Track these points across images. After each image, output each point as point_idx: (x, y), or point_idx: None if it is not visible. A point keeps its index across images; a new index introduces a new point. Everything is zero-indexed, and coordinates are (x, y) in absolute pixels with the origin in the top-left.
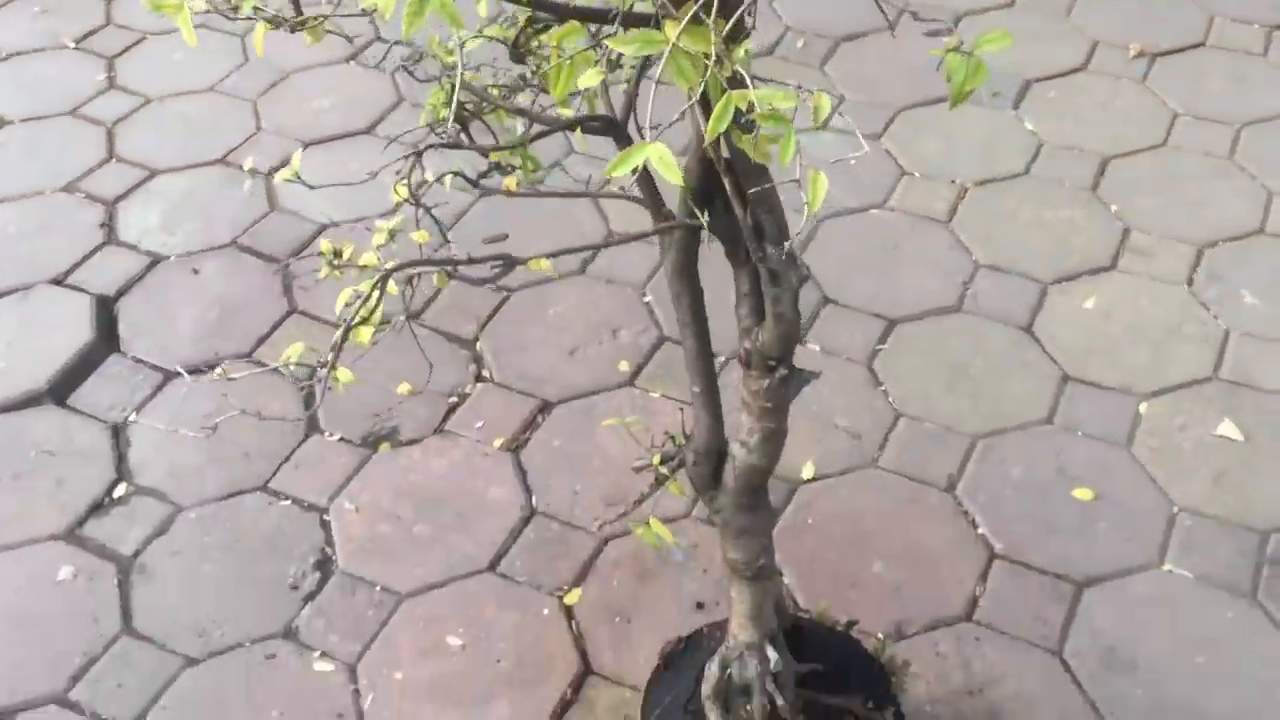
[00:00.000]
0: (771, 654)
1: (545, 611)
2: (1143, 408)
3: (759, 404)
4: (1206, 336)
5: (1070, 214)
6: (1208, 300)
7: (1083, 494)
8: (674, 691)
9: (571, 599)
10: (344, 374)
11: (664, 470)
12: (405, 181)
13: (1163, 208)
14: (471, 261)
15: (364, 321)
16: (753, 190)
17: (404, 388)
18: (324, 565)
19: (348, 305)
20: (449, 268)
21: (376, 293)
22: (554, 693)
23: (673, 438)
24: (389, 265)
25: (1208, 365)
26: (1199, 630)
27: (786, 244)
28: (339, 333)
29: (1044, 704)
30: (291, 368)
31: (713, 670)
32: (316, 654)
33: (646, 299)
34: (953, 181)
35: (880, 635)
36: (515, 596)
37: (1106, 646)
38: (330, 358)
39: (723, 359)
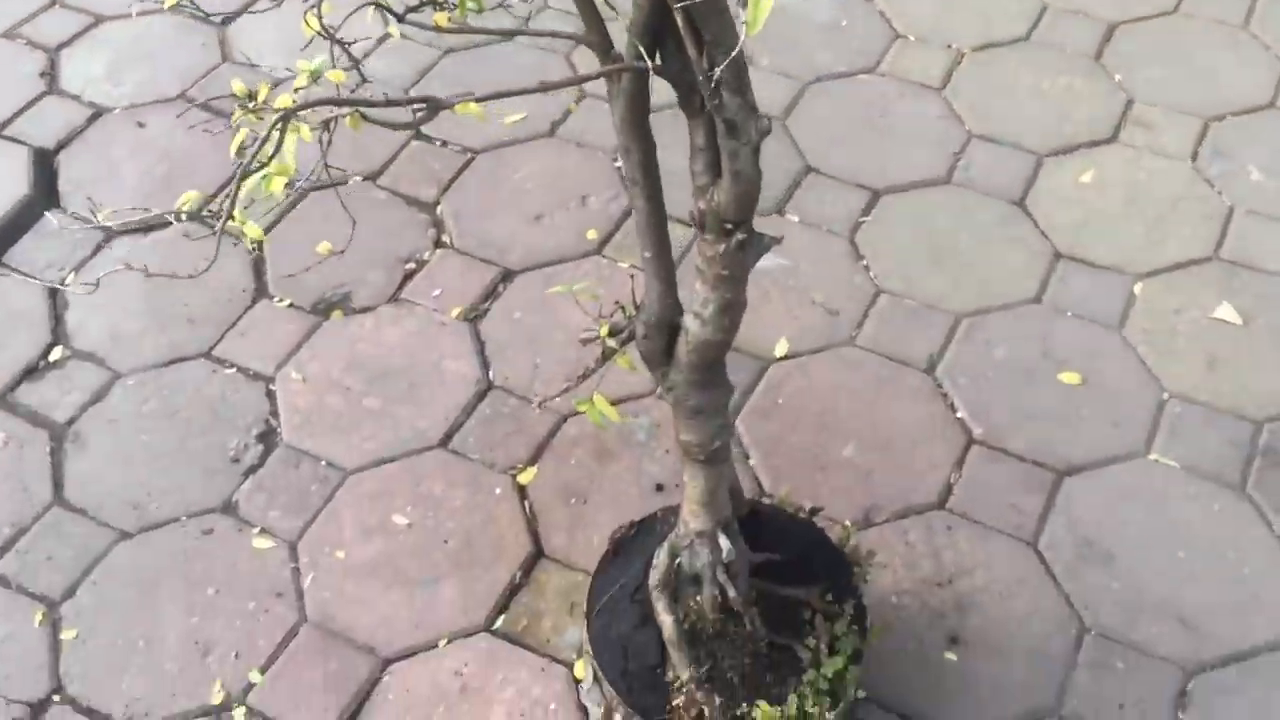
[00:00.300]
0: (724, 542)
1: (497, 491)
2: (1137, 288)
3: (714, 271)
4: (1208, 214)
5: (1071, 82)
6: (1212, 176)
7: (1069, 378)
8: (623, 579)
9: (525, 478)
10: (252, 229)
11: (612, 343)
12: (316, 12)
13: (1169, 78)
14: (390, 104)
15: (264, 168)
16: (709, 30)
17: (323, 246)
18: (267, 438)
19: (243, 149)
20: (361, 109)
21: (276, 135)
22: (503, 575)
23: (623, 308)
24: (294, 105)
25: (1208, 244)
26: (1183, 523)
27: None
28: (235, 180)
29: (1016, 597)
30: (183, 219)
31: (661, 559)
32: (256, 530)
33: (619, 164)
34: (948, 46)
35: (847, 523)
36: (466, 474)
37: (1084, 538)
38: (226, 205)
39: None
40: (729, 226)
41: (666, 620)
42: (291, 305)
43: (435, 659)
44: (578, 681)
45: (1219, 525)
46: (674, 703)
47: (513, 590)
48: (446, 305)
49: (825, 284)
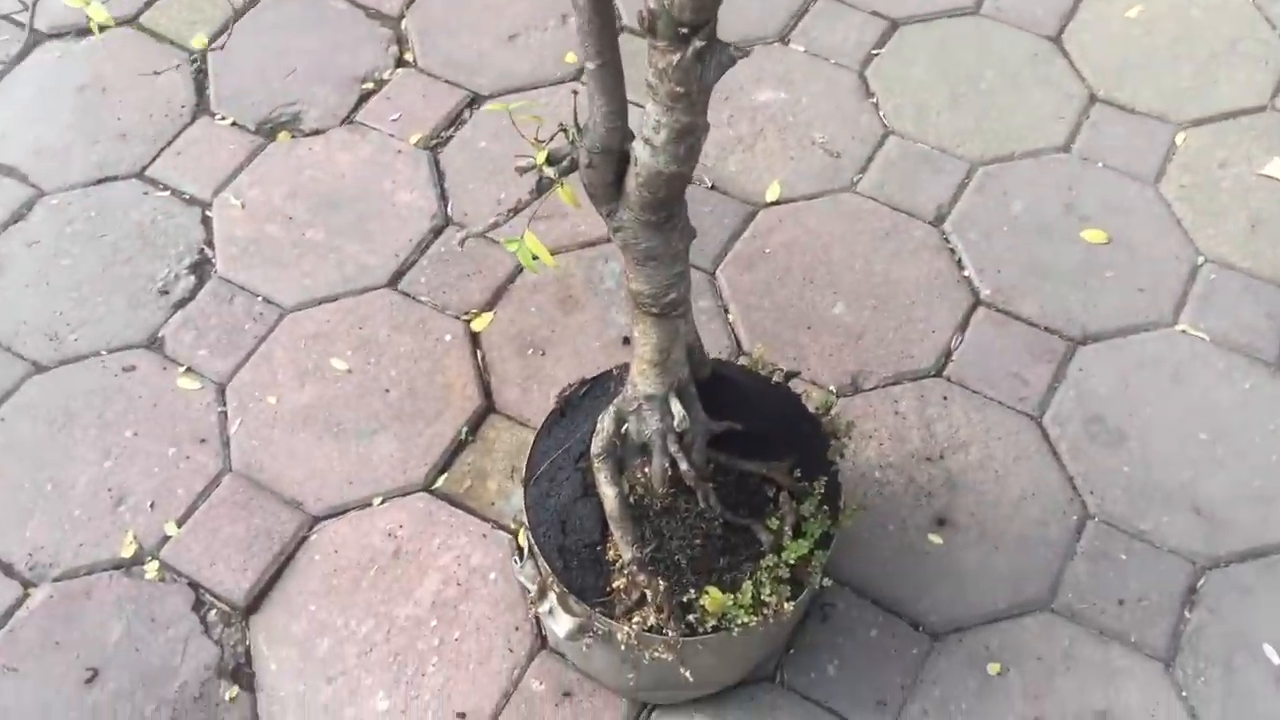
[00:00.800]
0: (676, 408)
1: (448, 337)
2: (1179, 138)
3: (667, 88)
4: (1266, 58)
5: None
6: (1275, 15)
7: (1093, 236)
8: (568, 443)
9: (480, 324)
10: (96, 11)
11: (550, 172)
12: None
13: None
14: None
15: None
16: None
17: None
18: (200, 268)
19: None
20: None
21: None
22: (448, 430)
23: (566, 130)
24: None
25: (1264, 92)
26: (1207, 402)
27: None
28: None
29: (1013, 476)
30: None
31: (605, 424)
32: (182, 369)
33: None
34: None
35: (832, 389)
36: (415, 318)
37: (1094, 414)
38: None
39: None
40: (684, 31)
41: (609, 493)
42: (234, 124)
43: (368, 518)
44: (519, 550)
45: (1248, 406)
46: (614, 585)
47: (457, 447)
48: (405, 131)
49: (828, 122)
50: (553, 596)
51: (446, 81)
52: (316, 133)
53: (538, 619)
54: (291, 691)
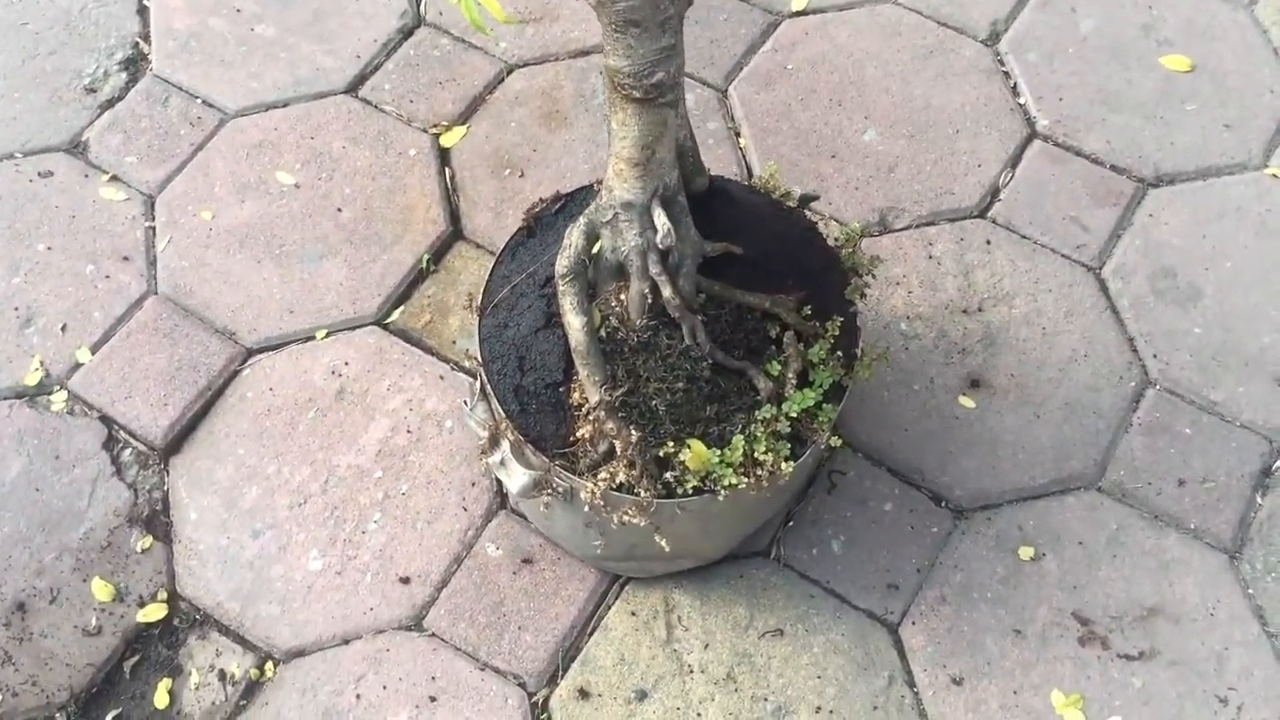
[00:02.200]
0: (660, 220)
1: (412, 152)
2: None
3: None
4: None
5: None
6: None
7: (1174, 63)
8: (533, 267)
9: (450, 139)
10: None
11: None
12: None
13: None
14: None
15: None
16: None
17: None
18: (133, 65)
19: None
20: None
21: None
22: (406, 257)
23: None
24: None
25: None
26: None
27: None
28: None
29: (1062, 334)
30: None
31: (573, 239)
32: (106, 177)
33: None
34: None
35: (856, 225)
36: (375, 129)
37: (1164, 267)
38: None
39: None
40: None
41: (574, 323)
42: None
43: (309, 353)
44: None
45: None
46: (578, 433)
47: (417, 278)
48: None
49: None
50: (506, 445)
51: None
52: None
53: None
54: (212, 545)
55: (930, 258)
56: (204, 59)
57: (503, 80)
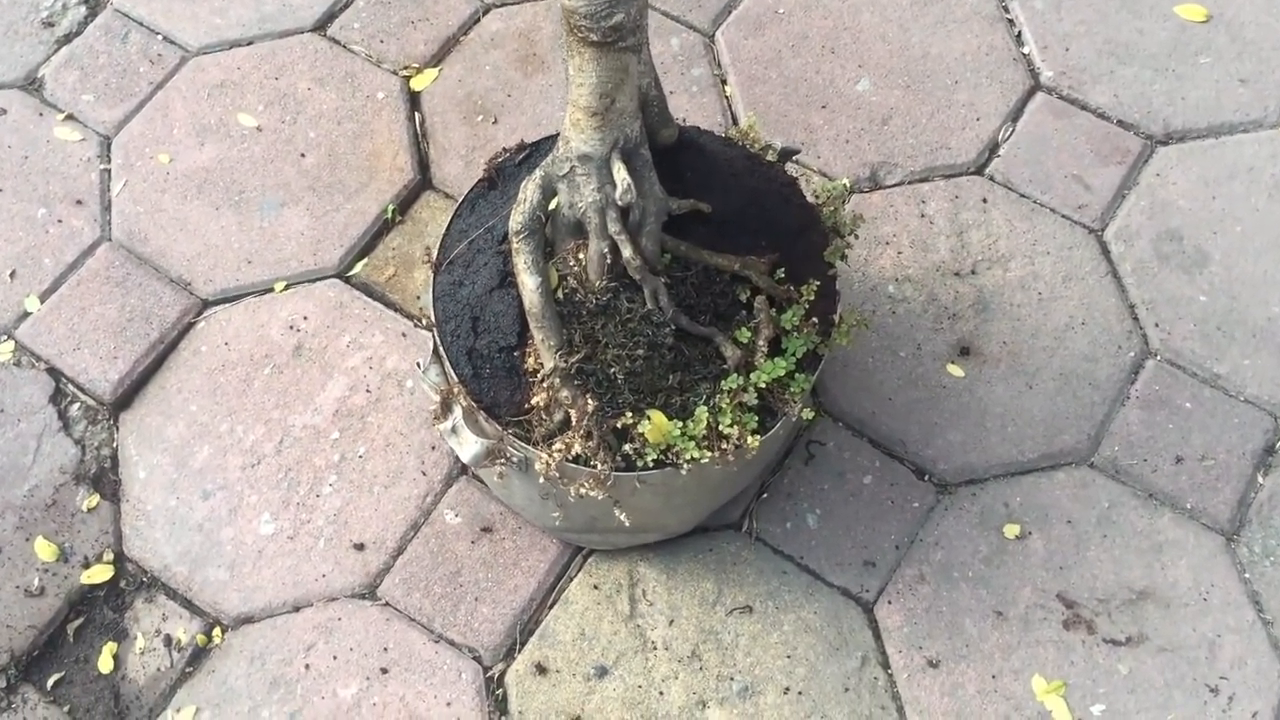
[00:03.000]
0: (620, 174)
1: (380, 95)
2: None
3: None
4: None
5: None
6: None
7: (1189, 12)
8: (493, 221)
9: (421, 82)
10: None
11: None
12: None
13: None
14: None
15: None
16: None
17: None
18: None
19: None
20: None
21: None
22: (371, 206)
23: None
24: None
25: None
26: None
27: None
28: None
29: (1059, 300)
30: None
31: (529, 193)
32: (61, 116)
33: None
34: None
35: (845, 181)
36: (343, 70)
37: (1170, 230)
38: None
39: None
40: None
41: (529, 283)
42: None
43: (267, 306)
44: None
45: None
46: (533, 400)
47: (382, 228)
48: None
49: None
50: (458, 411)
51: None
52: None
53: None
54: (161, 505)
55: (923, 216)
56: None
57: (479, 20)
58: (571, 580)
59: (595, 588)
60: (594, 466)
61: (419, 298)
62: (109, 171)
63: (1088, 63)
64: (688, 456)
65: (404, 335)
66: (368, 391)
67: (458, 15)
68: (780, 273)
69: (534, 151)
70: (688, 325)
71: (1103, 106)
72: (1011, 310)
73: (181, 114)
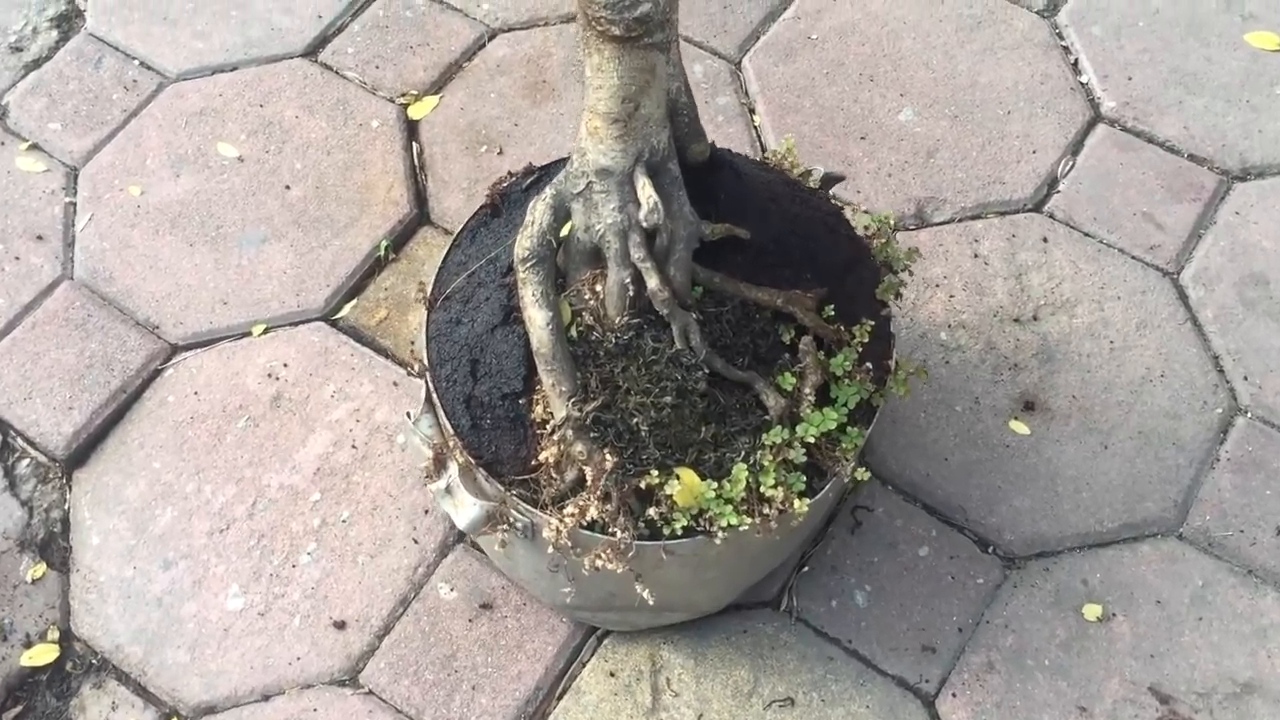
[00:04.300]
0: (645, 192)
1: (375, 124)
2: None
3: None
4: None
5: None
6: None
7: (1261, 40)
8: (496, 250)
9: (420, 110)
10: None
11: None
12: None
13: None
14: None
15: None
16: None
17: None
18: (66, 22)
19: None
20: None
21: None
22: (362, 243)
23: None
24: None
25: None
26: None
27: None
28: None
29: (1134, 350)
30: None
31: (538, 214)
32: (25, 145)
33: None
34: None
35: (890, 214)
36: (334, 97)
37: (1254, 274)
38: None
39: None
40: None
41: (537, 318)
42: None
43: (243, 352)
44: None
45: None
46: (541, 456)
47: (374, 267)
48: None
49: None
50: (453, 469)
51: None
52: None
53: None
54: (116, 576)
55: (976, 256)
56: (145, 15)
57: (483, 46)
58: (584, 666)
59: (612, 675)
60: (613, 534)
61: (413, 343)
62: (74, 205)
63: (1153, 93)
64: (724, 523)
65: (395, 384)
66: (353, 448)
67: (460, 40)
68: (829, 310)
69: (543, 176)
70: (723, 369)
71: (1172, 139)
72: (1080, 361)
73: (156, 143)
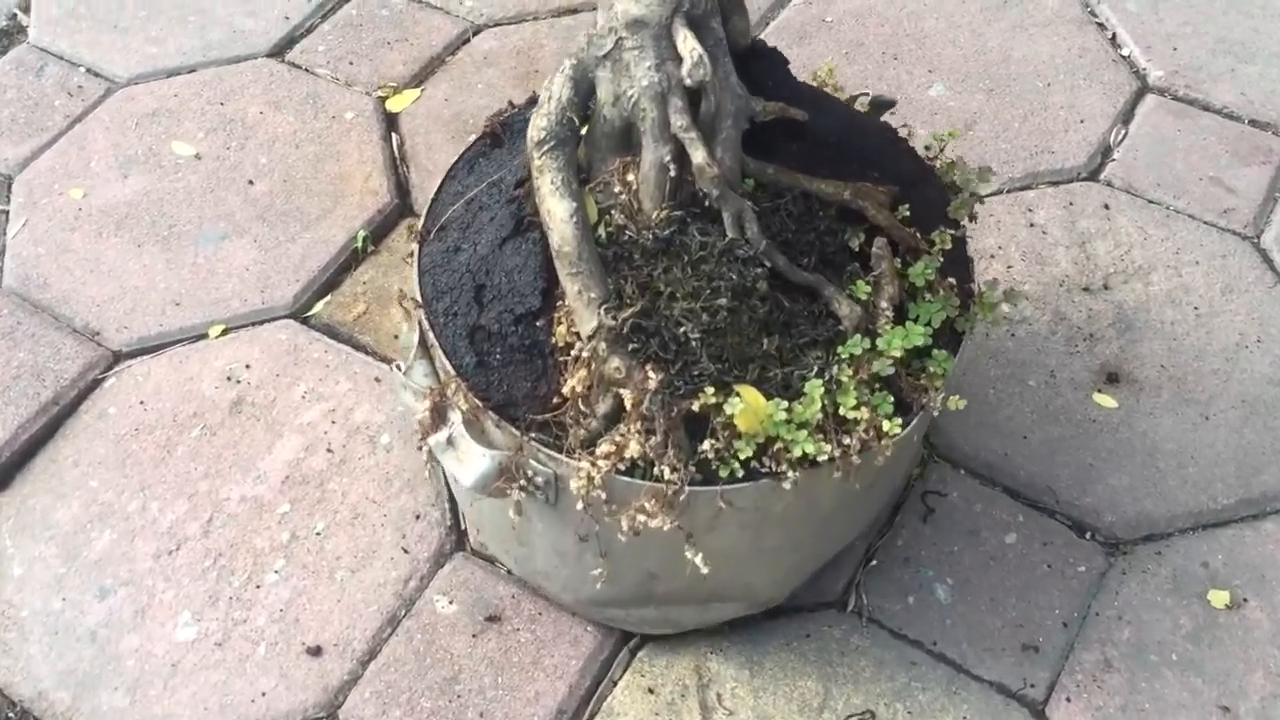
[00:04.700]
0: (688, 45)
1: (349, 115)
2: None
3: None
4: None
5: None
6: None
7: None
8: (501, 172)
9: (399, 103)
10: None
11: None
12: None
13: None
14: None
15: None
16: None
17: None
18: (6, 37)
19: None
20: None
21: None
22: (337, 234)
23: None
24: None
25: None
26: None
27: None
28: None
29: (1223, 314)
30: None
31: (556, 88)
32: None
33: None
34: None
35: (953, 133)
36: (303, 92)
37: None
38: None
39: None
40: None
41: (559, 210)
42: None
43: (198, 355)
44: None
45: None
46: (566, 387)
47: (350, 260)
48: None
49: None
50: (456, 417)
51: None
52: None
53: (445, 477)
54: (41, 610)
55: (1032, 225)
56: (93, 25)
57: (468, 40)
58: (616, 683)
59: (650, 692)
60: (659, 474)
61: (397, 337)
62: (6, 213)
63: (1202, 61)
64: (797, 452)
65: (377, 380)
66: (329, 451)
67: (442, 36)
68: (905, 210)
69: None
70: (786, 268)
71: (1229, 106)
72: (1164, 329)
73: (102, 145)
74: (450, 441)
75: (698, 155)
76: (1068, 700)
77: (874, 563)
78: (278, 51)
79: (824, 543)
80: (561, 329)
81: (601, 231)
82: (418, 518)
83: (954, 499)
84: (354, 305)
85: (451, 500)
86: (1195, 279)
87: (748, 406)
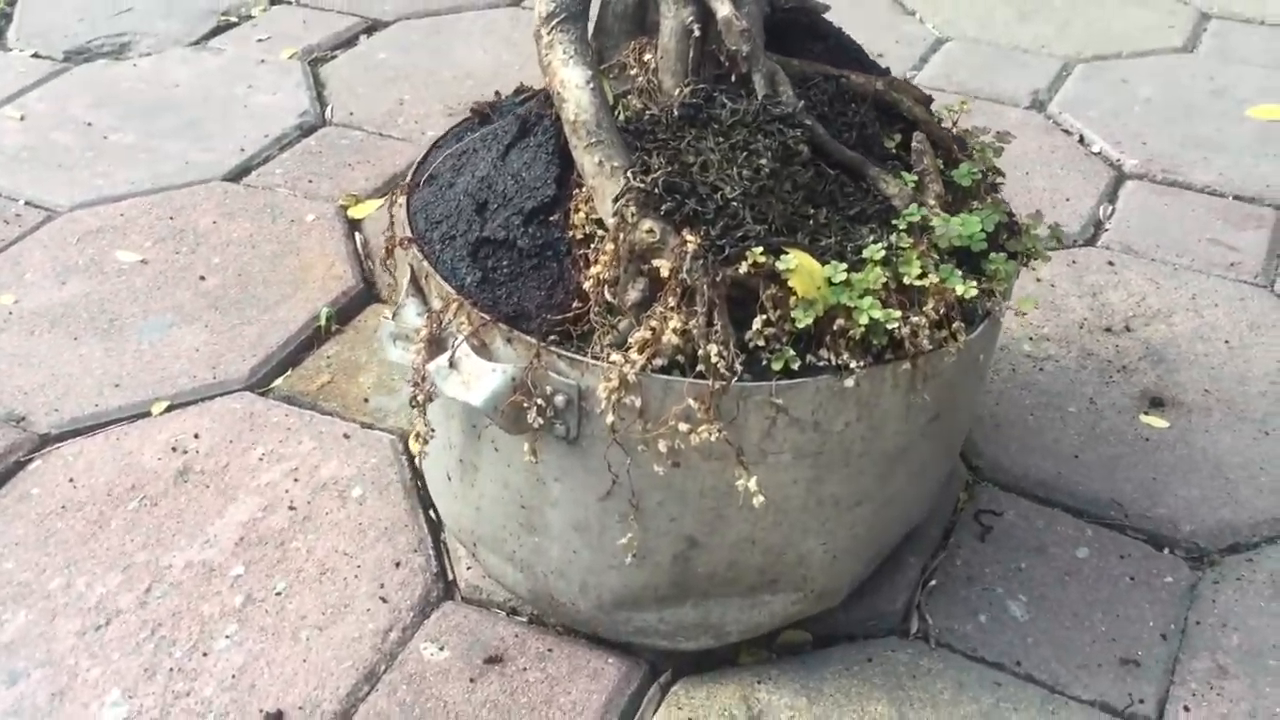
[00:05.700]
0: None
1: (310, 217)
2: None
3: None
4: None
5: None
6: None
7: (1265, 113)
8: (496, 124)
9: (361, 211)
10: None
11: None
12: None
13: None
14: None
15: None
16: None
17: None
18: None
19: None
20: None
21: None
22: (298, 314)
23: None
24: None
25: None
26: None
27: None
28: None
29: (1257, 346)
30: None
31: None
32: None
33: None
34: None
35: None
36: (260, 203)
37: None
38: None
39: None
40: None
41: (573, 78)
42: (36, 55)
43: (139, 432)
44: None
45: None
46: (590, 278)
47: (314, 338)
48: (276, 48)
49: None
50: (460, 339)
51: (338, 11)
52: (148, 54)
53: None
54: None
55: (1039, 281)
56: (39, 166)
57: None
58: None
59: None
60: (702, 375)
61: (366, 400)
62: None
63: (1173, 152)
64: (862, 320)
65: (346, 437)
66: (291, 509)
67: (405, 158)
68: (934, 115)
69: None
70: (826, 139)
71: (1211, 185)
72: (1199, 360)
73: (39, 260)
74: (453, 364)
75: (724, 8)
76: (1186, 710)
77: (933, 583)
78: (234, 177)
79: (887, 509)
80: (580, 215)
81: (620, 116)
82: (398, 565)
83: (1010, 517)
84: (317, 377)
85: (437, 545)
86: (1219, 318)
87: (802, 268)
